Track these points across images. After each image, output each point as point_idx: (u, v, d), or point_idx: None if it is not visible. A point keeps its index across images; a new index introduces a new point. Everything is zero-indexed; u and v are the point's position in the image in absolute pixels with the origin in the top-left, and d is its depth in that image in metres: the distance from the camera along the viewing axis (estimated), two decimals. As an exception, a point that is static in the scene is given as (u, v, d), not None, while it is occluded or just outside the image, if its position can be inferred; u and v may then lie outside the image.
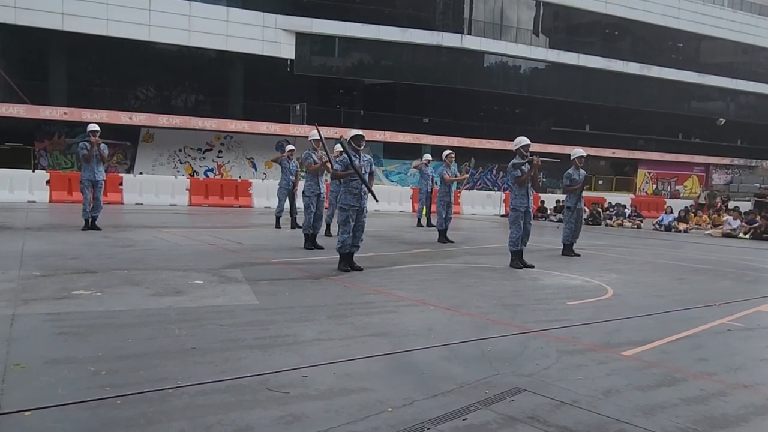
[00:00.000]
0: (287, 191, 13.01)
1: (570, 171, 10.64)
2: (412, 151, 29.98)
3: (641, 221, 20.48)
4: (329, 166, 8.18)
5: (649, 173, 39.13)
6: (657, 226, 19.35)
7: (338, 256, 7.59)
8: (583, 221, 11.93)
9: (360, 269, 7.55)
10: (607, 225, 20.43)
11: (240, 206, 19.61)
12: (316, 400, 3.23)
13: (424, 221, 15.29)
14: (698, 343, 4.92)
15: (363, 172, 7.54)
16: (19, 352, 3.73)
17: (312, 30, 28.61)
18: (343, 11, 28.80)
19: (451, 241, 11.72)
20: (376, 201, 8.29)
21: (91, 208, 10.61)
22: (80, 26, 24.30)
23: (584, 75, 34.87)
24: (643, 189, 38.58)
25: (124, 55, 26.52)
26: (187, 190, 19.37)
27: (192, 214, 16.39)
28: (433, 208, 14.25)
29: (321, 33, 28.84)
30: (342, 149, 7.84)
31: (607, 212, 21.79)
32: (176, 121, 25.77)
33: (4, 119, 22.65)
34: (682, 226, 19.11)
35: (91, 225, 10.61)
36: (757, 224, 17.33)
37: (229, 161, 28.53)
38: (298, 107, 28.56)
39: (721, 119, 39.16)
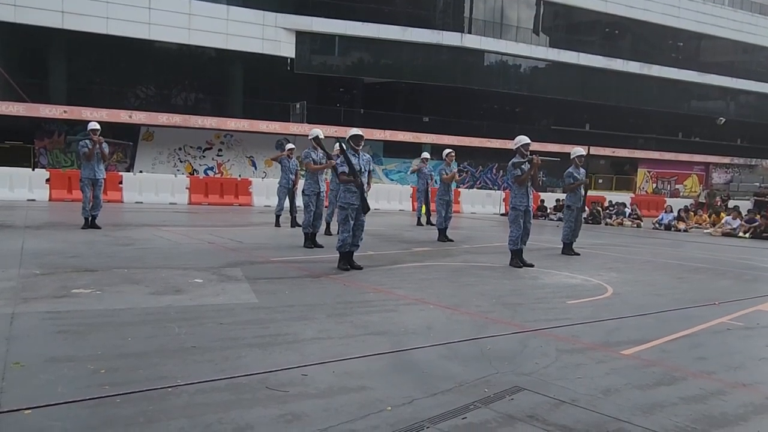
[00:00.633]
0: (287, 190, 13.00)
1: (570, 170, 10.65)
2: (412, 150, 29.97)
3: (640, 221, 20.47)
4: (333, 165, 8.17)
5: (649, 172, 39.13)
6: (657, 225, 19.35)
7: (338, 255, 7.59)
8: (583, 220, 11.93)
9: (360, 268, 7.55)
10: (606, 224, 20.43)
11: (240, 205, 19.60)
12: (315, 398, 3.23)
13: (423, 220, 15.29)
14: (697, 342, 4.93)
15: (362, 171, 7.54)
16: (18, 350, 3.73)
17: (312, 29, 28.59)
18: (343, 10, 28.77)
19: (451, 240, 11.72)
20: (366, 210, 7.59)
21: (91, 206, 10.61)
22: (80, 24, 24.28)
23: (584, 74, 34.86)
24: (643, 188, 38.57)
25: (124, 54, 26.50)
26: (186, 188, 19.36)
27: (192, 212, 16.39)
28: (433, 206, 14.25)
29: (321, 32, 28.82)
30: (341, 149, 7.84)
31: (607, 211, 21.79)
32: (176, 119, 25.77)
33: (4, 117, 22.64)
34: (681, 225, 19.11)
35: (90, 223, 10.61)
36: (756, 223, 17.33)
37: (228, 160, 28.53)
38: (297, 106, 28.55)
39: (721, 118, 39.14)
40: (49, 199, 17.12)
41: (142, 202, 18.13)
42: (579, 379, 3.76)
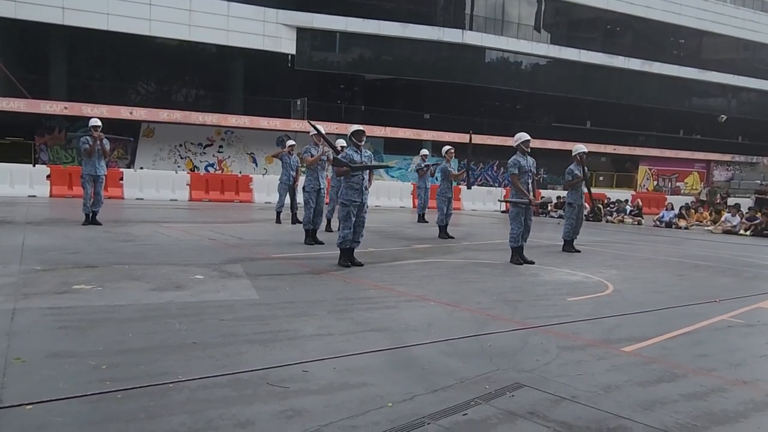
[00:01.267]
0: (288, 186, 13.00)
1: (572, 167, 10.63)
2: (413, 147, 29.90)
3: (641, 218, 20.46)
4: (327, 153, 8.13)
5: (650, 169, 39.10)
6: (657, 223, 19.34)
7: (338, 252, 7.59)
8: (584, 218, 11.93)
9: (360, 264, 7.55)
10: (607, 221, 20.42)
11: (240, 201, 19.61)
12: (316, 394, 3.24)
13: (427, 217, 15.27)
14: (698, 340, 4.93)
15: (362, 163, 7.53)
16: (19, 346, 3.74)
17: (313, 25, 28.54)
18: (344, 6, 28.72)
19: (452, 237, 11.71)
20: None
21: (92, 202, 10.62)
22: (80, 20, 24.23)
23: (585, 71, 34.80)
24: (644, 185, 38.54)
25: (124, 50, 26.48)
26: (187, 185, 19.37)
27: (192, 209, 16.38)
28: (432, 203, 14.22)
29: (322, 28, 28.76)
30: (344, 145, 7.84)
31: (608, 209, 21.78)
32: (177, 116, 25.75)
33: (4, 113, 22.63)
34: (682, 223, 19.10)
35: (91, 220, 10.62)
36: (757, 221, 17.32)
37: (229, 156, 28.52)
38: (298, 102, 28.52)
39: (723, 116, 39.08)
40: (50, 196, 17.12)
41: (142, 199, 18.13)
42: (579, 376, 3.76)
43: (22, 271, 6.06)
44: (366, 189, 7.62)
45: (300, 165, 12.90)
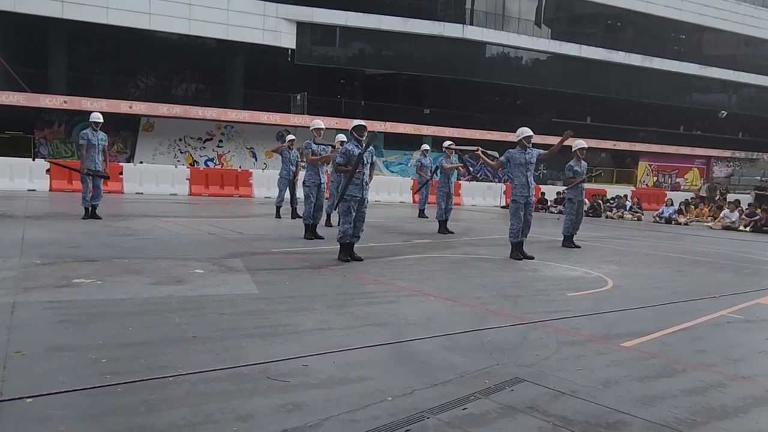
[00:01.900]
0: (287, 181, 12.99)
1: (572, 163, 10.63)
2: (413, 142, 29.92)
3: (641, 214, 20.46)
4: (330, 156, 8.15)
5: (650, 165, 39.08)
6: (657, 219, 19.34)
7: (338, 246, 7.59)
8: (584, 213, 11.93)
9: (360, 259, 7.55)
10: (607, 217, 20.42)
11: (240, 196, 19.58)
12: (316, 388, 3.24)
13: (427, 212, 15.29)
14: (697, 335, 4.94)
15: (365, 163, 7.53)
16: (19, 339, 3.74)
17: (313, 19, 28.46)
18: (344, 1, 28.64)
19: (452, 232, 11.72)
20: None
21: (91, 196, 10.61)
22: (80, 14, 24.17)
23: (586, 66, 34.73)
24: (644, 181, 38.52)
25: (124, 44, 26.43)
26: (187, 179, 19.34)
27: (192, 203, 16.38)
28: (432, 198, 14.22)
29: (322, 22, 28.70)
30: (344, 140, 7.82)
31: (608, 204, 21.78)
32: (176, 110, 25.71)
33: (4, 107, 22.60)
34: (682, 219, 19.10)
35: (91, 214, 10.60)
36: (757, 217, 17.32)
37: (229, 151, 28.49)
38: (298, 97, 28.48)
39: (723, 112, 39.03)
40: (50, 190, 17.10)
41: (142, 193, 18.11)
42: (579, 371, 3.76)
43: (22, 264, 6.05)
44: (366, 184, 7.61)
45: (300, 160, 12.89)
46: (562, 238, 10.70)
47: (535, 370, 3.72)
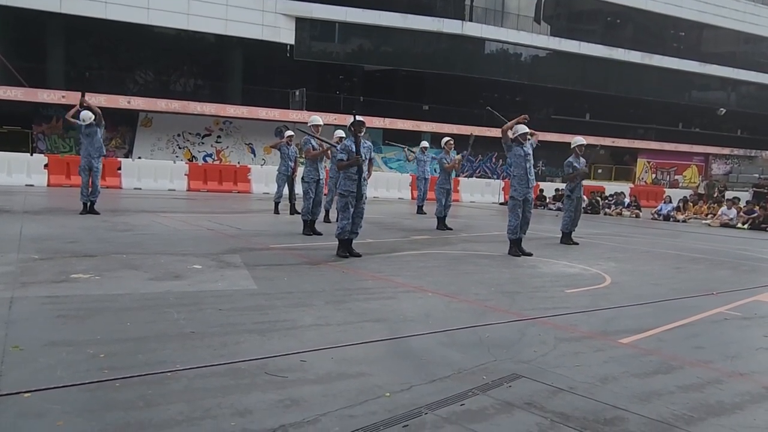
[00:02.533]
0: (286, 177, 12.99)
1: (570, 159, 10.63)
2: (412, 138, 29.82)
3: (639, 211, 20.47)
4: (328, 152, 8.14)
5: (649, 162, 39.08)
6: (655, 216, 19.36)
7: (337, 242, 7.60)
8: (582, 210, 11.94)
9: (358, 255, 7.55)
10: (605, 214, 20.44)
11: (239, 192, 19.58)
12: (314, 384, 3.24)
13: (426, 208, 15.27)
14: (695, 332, 4.95)
15: (363, 159, 7.53)
16: (17, 334, 3.74)
17: (312, 15, 28.37)
18: (344, -4, 28.57)
19: (450, 229, 11.72)
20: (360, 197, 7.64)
21: (89, 192, 10.59)
22: (78, 9, 24.05)
23: (585, 63, 34.67)
24: (643, 178, 38.54)
25: (122, 39, 26.31)
26: (185, 175, 19.33)
27: (190, 199, 16.36)
28: (432, 195, 14.22)
29: (321, 18, 28.59)
30: (342, 135, 7.82)
31: (606, 201, 21.80)
32: (175, 105, 25.65)
33: (1, 102, 22.51)
34: (680, 216, 19.12)
35: (89, 209, 10.60)
36: (755, 214, 17.34)
37: (227, 146, 28.44)
38: (297, 93, 28.41)
39: (722, 109, 39.01)
40: (48, 185, 17.08)
41: (140, 189, 18.09)
42: (577, 367, 3.77)
43: (20, 259, 6.05)
44: (365, 180, 7.61)
45: (298, 155, 12.89)
46: (560, 235, 10.71)
47: (533, 367, 3.72)
